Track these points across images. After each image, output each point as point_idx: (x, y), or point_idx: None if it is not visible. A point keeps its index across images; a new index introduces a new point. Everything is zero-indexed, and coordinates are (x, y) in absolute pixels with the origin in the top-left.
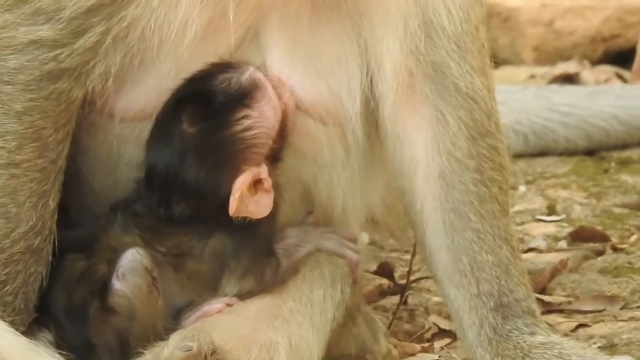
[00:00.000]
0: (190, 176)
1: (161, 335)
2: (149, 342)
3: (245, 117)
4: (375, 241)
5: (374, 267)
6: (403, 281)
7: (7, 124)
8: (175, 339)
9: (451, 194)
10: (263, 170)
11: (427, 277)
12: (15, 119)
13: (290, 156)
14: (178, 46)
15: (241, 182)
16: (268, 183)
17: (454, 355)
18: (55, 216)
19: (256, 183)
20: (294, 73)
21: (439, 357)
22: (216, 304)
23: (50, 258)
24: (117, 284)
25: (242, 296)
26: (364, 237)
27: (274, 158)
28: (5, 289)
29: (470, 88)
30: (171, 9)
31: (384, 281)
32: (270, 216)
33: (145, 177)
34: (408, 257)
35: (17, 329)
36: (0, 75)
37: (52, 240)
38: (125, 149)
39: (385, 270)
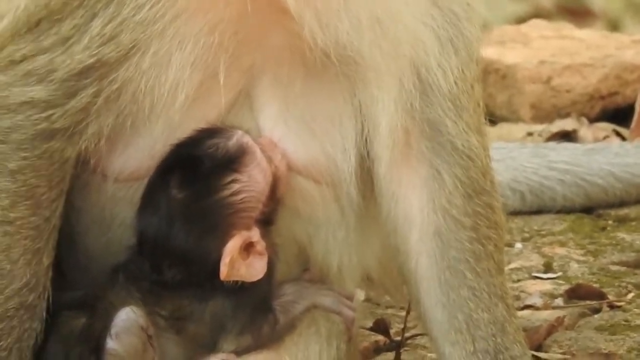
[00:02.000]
0: (179, 242)
1: None
2: None
3: (233, 181)
4: (371, 298)
5: (369, 323)
6: (398, 338)
7: (1, 182)
8: None
9: (447, 251)
10: (254, 234)
11: (422, 334)
12: (9, 177)
13: (285, 216)
14: (169, 108)
15: (231, 247)
16: (261, 246)
17: None
18: (50, 273)
19: (248, 247)
20: (287, 134)
21: None
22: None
23: (44, 315)
24: (111, 344)
25: (239, 352)
26: (360, 294)
27: (266, 221)
28: (0, 344)
29: (466, 146)
30: (162, 71)
31: (380, 337)
32: (267, 276)
33: (137, 243)
34: (404, 313)
35: None
36: None
37: (46, 297)
38: (119, 209)
39: (380, 326)
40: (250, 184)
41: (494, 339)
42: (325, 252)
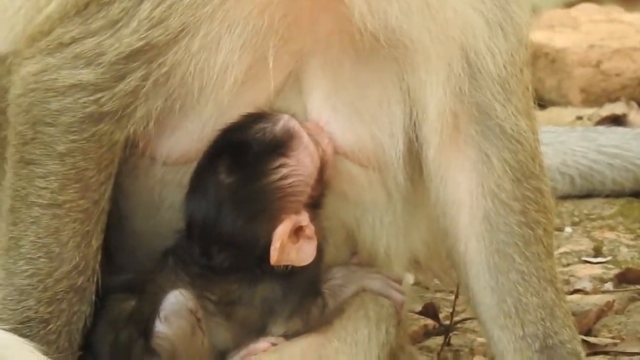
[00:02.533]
0: (228, 227)
1: None
2: None
3: (281, 165)
4: (420, 282)
5: (418, 307)
6: (448, 322)
7: (50, 165)
8: None
9: (496, 235)
10: (304, 218)
11: (472, 318)
12: (57, 160)
13: (333, 200)
14: (218, 91)
15: (281, 232)
16: (310, 230)
17: None
18: (99, 256)
19: (297, 231)
20: (334, 118)
21: None
22: (262, 344)
23: (93, 297)
24: (160, 327)
25: (288, 336)
26: (409, 278)
27: (314, 205)
28: (49, 327)
29: (515, 130)
30: (211, 54)
31: (429, 321)
32: (316, 260)
33: (186, 227)
34: (453, 297)
35: None
36: (42, 117)
37: (95, 280)
38: (167, 192)
39: (430, 310)
40: (298, 168)
41: (543, 323)
42: (372, 236)
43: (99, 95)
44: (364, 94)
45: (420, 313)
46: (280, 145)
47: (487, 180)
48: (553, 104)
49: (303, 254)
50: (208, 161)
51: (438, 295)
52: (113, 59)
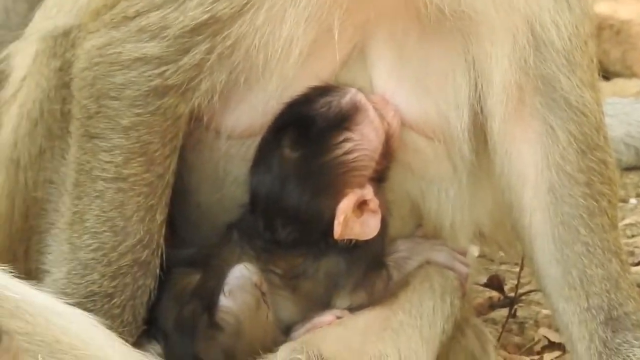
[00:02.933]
0: (292, 201)
1: (270, 348)
2: (258, 355)
3: (345, 140)
4: (485, 254)
5: (483, 279)
6: (513, 294)
7: (115, 138)
8: (283, 351)
9: (560, 207)
10: (368, 192)
11: (537, 290)
12: (122, 134)
13: (398, 172)
14: (283, 65)
15: (345, 206)
16: (374, 204)
17: None
18: (163, 230)
19: (361, 205)
20: (400, 90)
21: None
22: (326, 316)
23: (157, 271)
24: (224, 301)
25: (353, 308)
26: (474, 250)
27: (379, 178)
28: (114, 301)
29: (580, 102)
30: (275, 27)
31: (494, 294)
32: (380, 233)
33: (250, 202)
34: (518, 269)
35: (125, 341)
36: (107, 91)
37: (159, 254)
38: (232, 166)
39: (495, 282)
40: (362, 142)
41: (607, 295)
42: (437, 208)
43: (163, 68)
44: (429, 66)
45: (485, 285)
46: (345, 120)
47: (551, 153)
48: (618, 75)
49: (367, 227)
50: (273, 135)
51: (503, 267)
52: (178, 33)
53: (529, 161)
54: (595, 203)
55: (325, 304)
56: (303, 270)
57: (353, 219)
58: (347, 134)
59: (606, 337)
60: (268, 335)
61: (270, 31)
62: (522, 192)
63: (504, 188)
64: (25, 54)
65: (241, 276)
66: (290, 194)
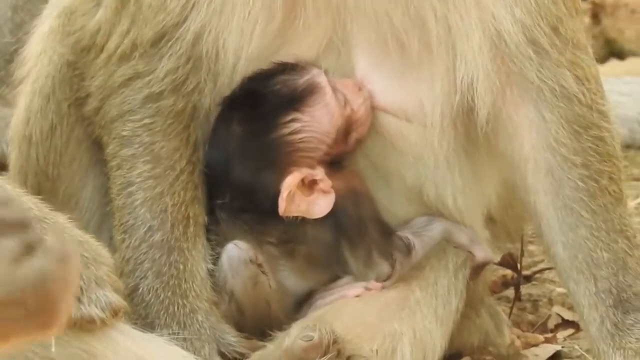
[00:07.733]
0: (237, 176)
1: (281, 321)
2: (269, 328)
3: (293, 120)
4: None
5: (497, 258)
6: (527, 272)
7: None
8: (296, 328)
9: (561, 190)
10: (318, 172)
11: (550, 268)
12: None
13: (392, 157)
14: (253, 50)
15: (288, 183)
16: (325, 184)
17: (577, 346)
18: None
19: (312, 184)
20: (382, 76)
21: (562, 347)
22: (354, 289)
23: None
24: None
25: (379, 280)
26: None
27: (333, 162)
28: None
29: (559, 86)
30: (223, 15)
31: (507, 272)
32: (364, 205)
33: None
34: (532, 248)
35: None
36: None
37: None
38: None
39: (508, 261)
40: (311, 124)
41: (615, 277)
42: (437, 193)
43: (147, 79)
44: (411, 51)
45: (499, 264)
46: (296, 100)
47: (545, 137)
48: (632, 54)
49: (316, 206)
50: (226, 108)
51: (517, 245)
52: (146, 47)
53: (527, 145)
54: (595, 184)
55: (333, 277)
56: (294, 235)
57: (300, 197)
58: (296, 114)
59: (617, 319)
60: (274, 305)
61: (222, 20)
62: (525, 174)
63: (508, 169)
64: (40, 31)
65: (232, 255)
66: (234, 169)
